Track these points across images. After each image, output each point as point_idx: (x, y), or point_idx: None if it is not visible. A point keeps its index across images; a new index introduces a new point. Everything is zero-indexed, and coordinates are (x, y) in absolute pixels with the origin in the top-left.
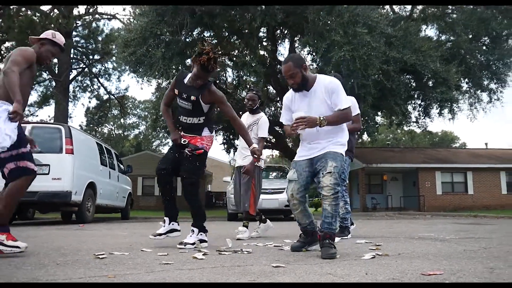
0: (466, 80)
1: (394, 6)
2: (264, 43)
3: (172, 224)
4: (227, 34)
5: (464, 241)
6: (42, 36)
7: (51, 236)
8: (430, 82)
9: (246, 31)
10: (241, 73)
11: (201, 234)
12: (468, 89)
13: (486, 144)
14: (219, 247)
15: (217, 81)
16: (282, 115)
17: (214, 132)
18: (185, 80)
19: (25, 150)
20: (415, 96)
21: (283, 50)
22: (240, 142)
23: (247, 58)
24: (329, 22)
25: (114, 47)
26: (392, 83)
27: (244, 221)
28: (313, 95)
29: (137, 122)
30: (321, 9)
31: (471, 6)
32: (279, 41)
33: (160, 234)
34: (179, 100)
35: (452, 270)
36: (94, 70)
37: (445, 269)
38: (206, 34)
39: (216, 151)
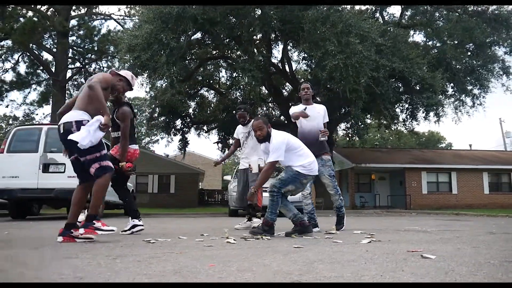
0: (452, 85)
1: (384, 15)
2: (261, 49)
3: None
4: (226, 40)
5: (442, 232)
6: (122, 73)
7: None
8: (417, 87)
9: (245, 38)
10: (239, 77)
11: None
12: (453, 93)
13: (470, 145)
14: (243, 235)
15: (211, 81)
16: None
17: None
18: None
19: (104, 152)
20: (403, 99)
21: (277, 53)
22: (245, 149)
23: (245, 64)
24: (324, 31)
25: (116, 50)
26: (382, 89)
27: (257, 213)
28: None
29: None
30: (316, 19)
31: (457, 14)
32: (273, 45)
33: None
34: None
35: (429, 249)
36: (90, 69)
37: (424, 248)
38: (206, 39)
39: (208, 149)
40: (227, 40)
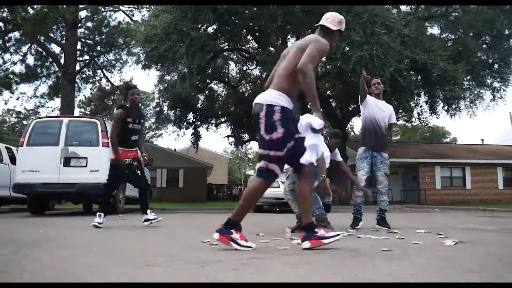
0: (469, 77)
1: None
2: (277, 42)
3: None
4: (244, 31)
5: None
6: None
7: (137, 232)
8: (438, 80)
9: (266, 29)
10: (258, 69)
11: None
12: (468, 86)
13: (482, 140)
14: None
15: (221, 75)
16: None
17: None
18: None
19: (279, 154)
20: (421, 93)
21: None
22: None
23: (266, 56)
24: (349, 21)
25: (126, 42)
26: (404, 81)
27: None
28: None
29: None
30: (340, 9)
31: (475, 6)
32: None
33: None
34: (132, 125)
35: None
36: (99, 62)
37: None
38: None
39: (214, 143)
40: (245, 31)
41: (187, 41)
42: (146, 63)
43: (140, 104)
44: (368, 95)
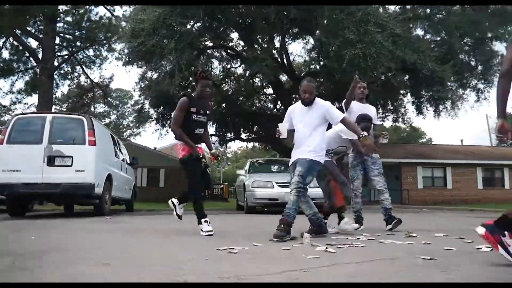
0: (452, 78)
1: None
2: (265, 40)
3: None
4: (232, 29)
5: None
6: None
7: (139, 237)
8: (426, 80)
9: (258, 27)
10: (250, 67)
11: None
12: (453, 87)
13: (461, 140)
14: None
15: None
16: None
17: None
18: (196, 100)
19: None
20: (407, 93)
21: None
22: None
23: (258, 53)
24: (343, 19)
25: (105, 37)
26: (395, 81)
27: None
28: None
29: (108, 111)
30: (334, 7)
31: (460, 8)
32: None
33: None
34: (197, 116)
35: None
36: (79, 57)
37: None
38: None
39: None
40: (233, 28)
41: (176, 36)
42: (130, 59)
43: (210, 98)
44: (352, 101)
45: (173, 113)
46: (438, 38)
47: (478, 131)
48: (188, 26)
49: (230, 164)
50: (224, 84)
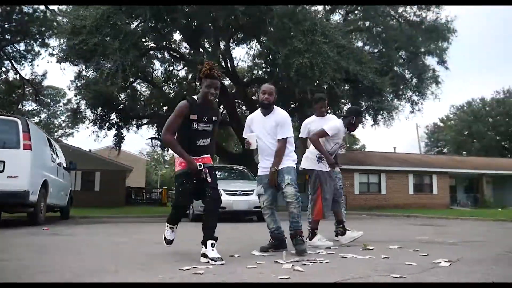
0: (392, 90)
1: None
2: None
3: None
4: (177, 31)
5: (473, 244)
6: None
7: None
8: (367, 91)
9: (206, 29)
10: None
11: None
12: (387, 98)
13: (394, 148)
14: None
15: (145, 74)
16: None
17: None
18: (198, 104)
19: None
20: (348, 103)
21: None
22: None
23: (204, 57)
24: (291, 27)
25: (39, 31)
26: (339, 91)
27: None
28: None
29: (38, 110)
30: (283, 15)
31: (397, 23)
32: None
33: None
34: (198, 124)
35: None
36: (7, 51)
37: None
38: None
39: (130, 145)
40: (178, 30)
41: (121, 36)
42: (67, 56)
43: (215, 102)
44: (312, 118)
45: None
46: (376, 50)
47: (409, 139)
48: (133, 26)
49: (168, 167)
50: (166, 86)
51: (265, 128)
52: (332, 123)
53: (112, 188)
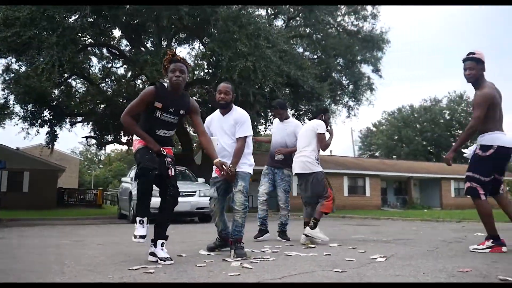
0: (329, 95)
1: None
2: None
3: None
4: (117, 28)
5: (407, 241)
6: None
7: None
8: (303, 96)
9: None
10: (136, 70)
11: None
12: (325, 103)
13: (331, 151)
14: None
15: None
16: None
17: None
18: (167, 93)
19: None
20: (289, 107)
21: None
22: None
23: (148, 57)
24: (235, 31)
25: None
26: (280, 94)
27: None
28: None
29: None
30: (228, 17)
31: (337, 33)
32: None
33: (143, 237)
34: (162, 113)
35: (473, 266)
36: None
37: (463, 265)
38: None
39: (64, 144)
40: (119, 28)
41: (59, 30)
42: None
43: (183, 89)
44: (274, 122)
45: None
46: (316, 57)
47: (345, 143)
48: (71, 20)
49: (102, 167)
50: (104, 84)
51: (223, 128)
52: (317, 123)
53: (42, 189)
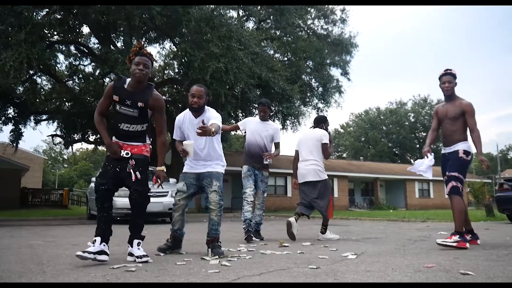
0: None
1: (245, 25)
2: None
3: (104, 246)
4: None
5: (376, 240)
6: None
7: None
8: (274, 98)
9: (121, 26)
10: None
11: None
12: (295, 104)
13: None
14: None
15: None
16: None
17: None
18: (126, 86)
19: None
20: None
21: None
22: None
23: (119, 56)
24: (208, 32)
25: None
26: (251, 95)
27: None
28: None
29: None
30: (200, 19)
31: (307, 36)
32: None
33: (89, 253)
34: (120, 106)
35: (433, 261)
36: None
37: (427, 261)
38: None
39: (27, 142)
40: (88, 26)
41: (28, 27)
42: None
43: (145, 82)
44: (250, 119)
45: None
46: (286, 59)
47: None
48: (39, 17)
49: (67, 166)
50: (71, 82)
51: (195, 129)
52: (322, 133)
53: (5, 189)
